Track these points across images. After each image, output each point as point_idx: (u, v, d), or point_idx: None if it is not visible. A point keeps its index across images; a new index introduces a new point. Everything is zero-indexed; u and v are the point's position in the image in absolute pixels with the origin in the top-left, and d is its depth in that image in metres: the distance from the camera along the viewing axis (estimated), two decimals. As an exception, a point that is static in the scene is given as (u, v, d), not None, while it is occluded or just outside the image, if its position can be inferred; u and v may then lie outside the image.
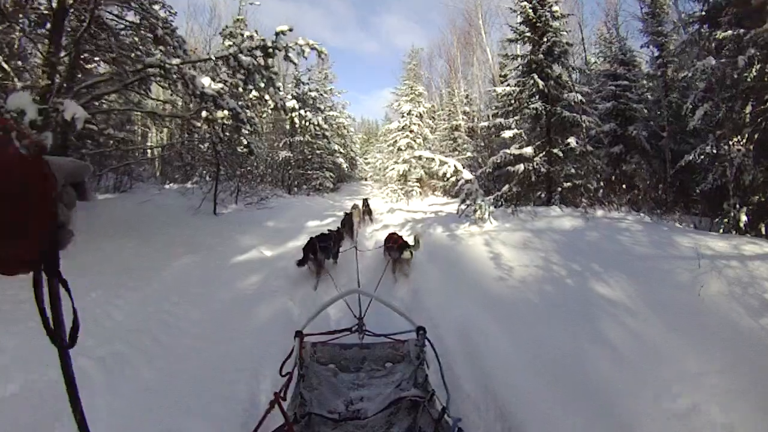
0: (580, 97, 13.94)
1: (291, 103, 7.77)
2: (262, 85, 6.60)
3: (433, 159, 8.99)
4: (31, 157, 0.59)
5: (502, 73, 23.54)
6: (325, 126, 22.17)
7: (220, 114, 6.91)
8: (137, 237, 7.14)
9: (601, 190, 13.12)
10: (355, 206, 12.03)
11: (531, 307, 4.56)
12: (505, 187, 12.66)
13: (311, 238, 6.19)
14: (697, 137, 15.29)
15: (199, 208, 10.27)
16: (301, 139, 21.31)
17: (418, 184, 19.13)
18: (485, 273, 5.65)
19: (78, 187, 0.69)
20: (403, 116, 22.67)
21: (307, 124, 7.80)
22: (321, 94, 25.41)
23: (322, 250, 5.92)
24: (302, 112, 7.71)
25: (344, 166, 23.00)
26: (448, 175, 8.88)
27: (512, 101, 13.90)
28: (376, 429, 1.73)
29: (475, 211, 9.12)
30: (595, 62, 21.21)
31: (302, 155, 22.28)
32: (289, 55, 6.50)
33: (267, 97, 8.06)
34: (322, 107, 23.78)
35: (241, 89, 7.15)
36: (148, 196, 11.29)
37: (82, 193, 0.70)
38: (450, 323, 4.23)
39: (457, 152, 20.65)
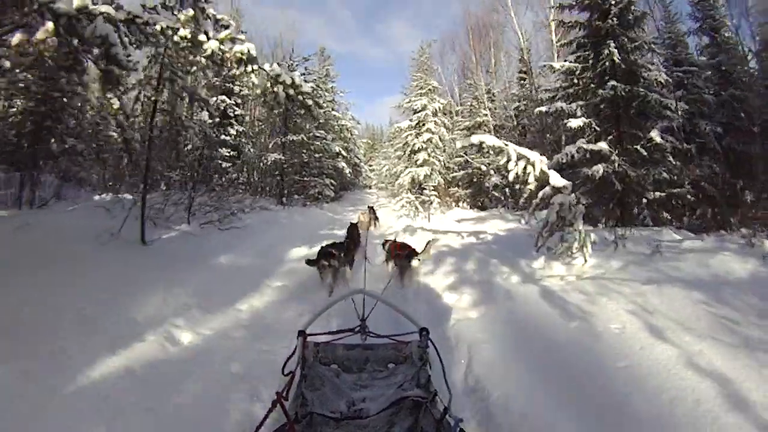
0: (664, 76, 10.07)
1: (245, 47, 3.96)
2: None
3: (502, 149, 5.08)
4: None
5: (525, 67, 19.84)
6: (311, 93, 18.18)
7: (41, 35, 3.02)
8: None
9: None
10: (361, 214, 11.41)
11: None
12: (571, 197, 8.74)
13: (322, 246, 5.56)
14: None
15: (119, 234, 6.36)
16: (295, 138, 17.36)
17: (435, 193, 15.18)
18: None
19: None
20: (415, 113, 18.79)
21: (277, 89, 4.86)
22: (319, 88, 21.55)
23: (337, 258, 5.27)
24: (267, 66, 4.49)
25: (346, 171, 19.08)
26: (530, 179, 4.97)
27: (575, 80, 10.00)
28: (378, 429, 1.64)
29: (566, 242, 5.21)
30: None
31: (297, 158, 18.39)
32: None
33: (203, 38, 4.17)
34: (321, 101, 19.84)
35: None
36: (53, 213, 7.50)
37: None
38: None
39: (486, 153, 16.75)
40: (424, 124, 17.72)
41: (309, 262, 5.33)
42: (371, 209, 12.85)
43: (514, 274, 5.02)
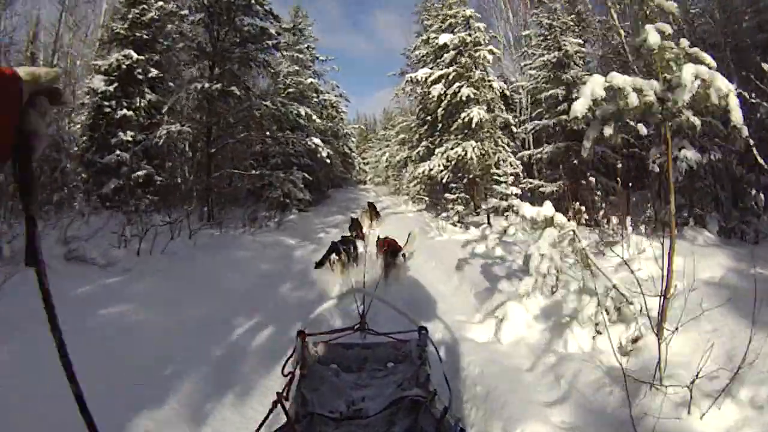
0: None
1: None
2: None
3: None
4: None
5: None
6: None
7: None
8: None
9: None
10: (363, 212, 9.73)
11: None
12: None
13: (333, 242, 5.36)
14: None
15: None
16: (219, 87, 8.28)
17: (514, 191, 6.28)
18: None
19: (51, 95, 0.63)
20: (441, 52, 10.15)
21: None
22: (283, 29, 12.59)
23: (345, 253, 5.21)
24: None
25: (323, 154, 10.06)
26: None
27: None
28: (378, 428, 1.52)
29: None
30: None
31: (229, 133, 9.47)
32: None
33: None
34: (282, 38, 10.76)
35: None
36: None
37: (56, 100, 0.64)
38: None
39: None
40: (464, 62, 8.91)
41: (319, 264, 5.03)
42: (371, 205, 10.44)
43: None
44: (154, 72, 11.70)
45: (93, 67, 13.36)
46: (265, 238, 7.17)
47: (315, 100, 18.17)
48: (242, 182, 10.40)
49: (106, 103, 11.30)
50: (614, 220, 5.44)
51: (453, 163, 8.02)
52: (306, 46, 18.81)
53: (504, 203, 6.42)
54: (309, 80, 17.81)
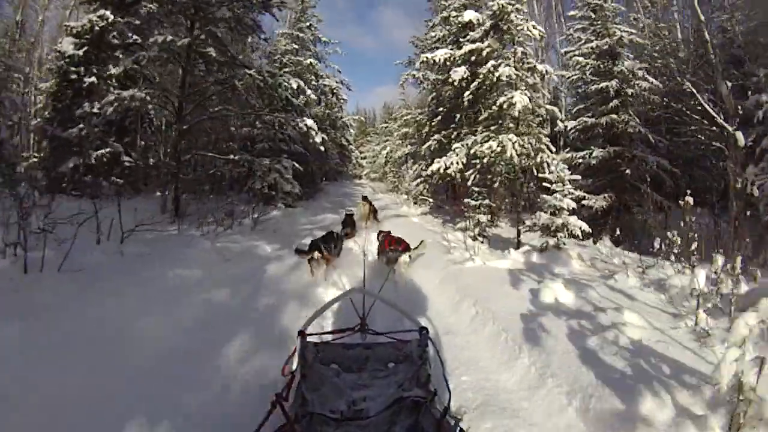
0: None
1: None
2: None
3: None
4: None
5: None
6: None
7: None
8: None
9: None
10: (362, 205, 9.02)
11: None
12: None
13: (313, 240, 5.05)
14: None
15: None
16: (187, 41, 6.32)
17: (563, 214, 4.61)
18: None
19: None
20: (463, 35, 8.48)
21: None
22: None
23: (327, 250, 4.90)
24: None
25: (316, 139, 8.27)
26: None
27: None
28: (379, 428, 1.49)
29: None
30: None
31: (204, 106, 7.66)
32: None
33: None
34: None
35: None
36: None
37: None
38: None
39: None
40: (501, 37, 7.15)
41: (299, 252, 4.92)
42: (366, 200, 9.20)
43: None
44: (133, 37, 9.99)
45: (64, 28, 11.55)
46: (231, 244, 5.35)
47: (314, 84, 16.36)
48: (215, 167, 8.57)
49: (73, 69, 9.66)
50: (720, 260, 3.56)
51: (483, 160, 6.24)
52: (308, 24, 16.97)
53: (558, 221, 4.71)
54: (309, 61, 16.04)
